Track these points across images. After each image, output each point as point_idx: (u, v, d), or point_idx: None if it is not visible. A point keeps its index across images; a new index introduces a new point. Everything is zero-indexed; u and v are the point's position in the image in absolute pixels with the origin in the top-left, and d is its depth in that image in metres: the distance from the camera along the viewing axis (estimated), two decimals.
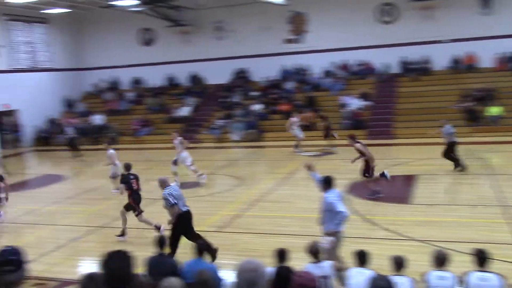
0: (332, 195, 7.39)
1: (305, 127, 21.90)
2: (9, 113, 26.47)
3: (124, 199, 10.64)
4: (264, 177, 16.65)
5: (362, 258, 6.00)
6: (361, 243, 8.40)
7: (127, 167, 10.83)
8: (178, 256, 7.89)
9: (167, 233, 8.81)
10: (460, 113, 21.38)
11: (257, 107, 25.03)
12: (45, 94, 28.01)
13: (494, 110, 21.22)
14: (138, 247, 8.60)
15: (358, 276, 5.67)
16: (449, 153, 14.48)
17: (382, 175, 12.43)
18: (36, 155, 25.60)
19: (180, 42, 28.36)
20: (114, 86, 30.12)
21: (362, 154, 12.46)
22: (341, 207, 7.25)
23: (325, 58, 25.85)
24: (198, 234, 8.72)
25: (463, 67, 23.88)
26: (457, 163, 14.50)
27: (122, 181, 10.60)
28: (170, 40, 28.51)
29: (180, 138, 15.47)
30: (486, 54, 23.34)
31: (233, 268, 3.17)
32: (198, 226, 10.80)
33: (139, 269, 5.46)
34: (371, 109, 23.41)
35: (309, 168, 8.20)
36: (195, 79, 28.61)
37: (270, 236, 9.94)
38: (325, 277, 5.73)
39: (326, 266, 5.88)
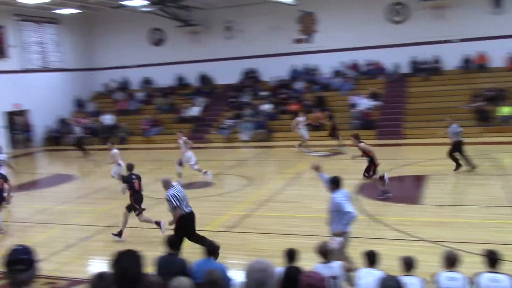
0: (340, 196, 7.37)
1: (314, 127, 21.90)
2: (20, 113, 26.68)
3: (127, 199, 10.67)
4: (273, 177, 16.64)
5: (371, 259, 5.99)
6: (370, 243, 8.37)
7: (130, 167, 10.91)
8: (187, 256, 7.90)
9: (168, 231, 8.83)
10: (471, 113, 21.24)
11: (266, 107, 25.02)
12: (56, 94, 28.18)
13: (505, 110, 21.05)
14: (148, 246, 8.63)
15: (368, 277, 5.65)
16: (454, 153, 14.36)
17: (382, 178, 12.37)
18: (46, 155, 25.77)
19: (190, 42, 28.43)
20: (124, 86, 30.26)
21: (366, 154, 12.44)
22: (349, 208, 7.23)
23: (334, 58, 25.78)
24: (200, 236, 8.68)
25: (474, 66, 23.71)
26: (459, 164, 14.34)
27: (124, 181, 10.65)
28: (180, 40, 28.59)
29: (184, 138, 15.49)
30: (497, 54, 23.16)
31: (242, 268, 3.18)
32: (207, 226, 10.86)
33: (149, 268, 5.48)
34: (381, 109, 23.32)
35: (317, 169, 8.19)
36: (205, 79, 28.67)
37: (279, 236, 9.93)
38: (334, 278, 5.71)
39: (335, 267, 5.86)
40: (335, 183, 7.49)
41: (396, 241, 9.19)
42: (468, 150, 14.67)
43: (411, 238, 9.34)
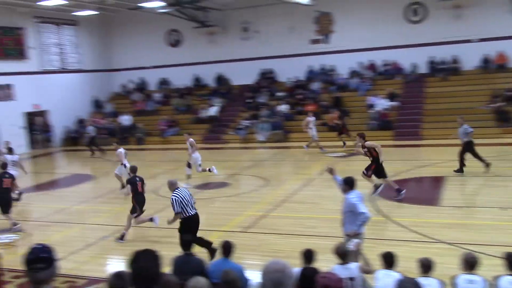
0: (353, 196, 7.35)
1: (331, 128, 21.82)
2: (40, 113, 27.03)
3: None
4: (290, 178, 16.62)
5: (389, 260, 5.94)
6: (388, 245, 8.32)
7: (133, 169, 11.03)
8: (202, 256, 7.93)
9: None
10: (490, 113, 20.98)
11: (283, 107, 25.00)
12: (75, 95, 28.49)
13: None
14: (165, 246, 8.67)
15: (385, 278, 5.62)
16: (465, 153, 14.18)
17: (377, 187, 12.30)
18: (65, 155, 26.05)
19: (207, 43, 28.53)
20: (141, 87, 30.48)
21: (371, 153, 12.39)
22: (363, 208, 7.21)
23: (351, 58, 25.66)
24: (199, 237, 8.69)
25: (493, 66, 23.40)
26: (462, 167, 14.18)
27: (128, 183, 10.73)
28: (197, 41, 28.70)
29: (191, 140, 15.57)
30: None
31: (259, 269, 3.17)
32: (224, 226, 10.90)
33: (166, 268, 5.51)
34: (399, 110, 23.14)
35: (331, 171, 8.21)
36: (221, 80, 28.74)
37: (295, 237, 9.91)
38: (352, 279, 5.69)
39: (353, 268, 5.83)
40: (348, 184, 7.48)
41: (414, 243, 9.10)
42: (487, 151, 14.49)
43: (429, 240, 9.25)
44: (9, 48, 25.00)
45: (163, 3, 23.83)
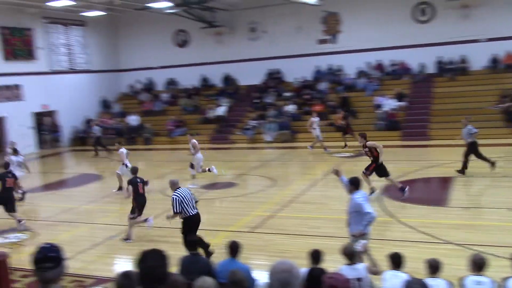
0: (359, 196, 7.35)
1: (338, 128, 21.79)
2: (48, 113, 27.17)
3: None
4: (297, 178, 16.61)
5: (396, 261, 5.92)
6: (396, 245, 8.29)
7: (134, 170, 11.06)
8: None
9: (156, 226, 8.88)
10: (499, 114, 20.85)
11: (290, 108, 24.98)
12: (83, 95, 28.61)
13: None
14: (172, 246, 8.69)
15: (393, 279, 5.60)
16: (470, 154, 14.11)
17: (372, 191, 12.27)
18: (73, 155, 26.17)
19: (214, 43, 28.57)
20: (149, 87, 30.58)
21: (371, 153, 12.41)
22: (368, 208, 7.20)
23: (359, 58, 25.60)
24: (200, 239, 8.72)
25: (501, 66, 23.26)
26: (465, 168, 14.11)
27: (129, 183, 10.76)
28: (204, 41, 28.75)
29: (194, 141, 15.60)
30: None
31: (266, 269, 3.18)
32: (231, 226, 10.91)
33: (173, 268, 5.52)
34: (406, 110, 23.06)
35: (337, 173, 8.25)
36: (229, 80, 28.77)
37: (302, 237, 9.89)
38: (359, 279, 5.68)
39: (360, 268, 5.82)
40: (354, 184, 7.48)
41: (421, 244, 9.06)
42: (495, 151, 14.40)
43: (437, 241, 9.21)
44: (18, 49, 25.15)
45: (170, 4, 23.88)
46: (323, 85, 25.82)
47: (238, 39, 28.09)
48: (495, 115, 20.79)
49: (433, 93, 23.58)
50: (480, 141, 14.36)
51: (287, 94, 26.29)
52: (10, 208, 11.89)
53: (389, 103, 23.11)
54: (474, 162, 14.29)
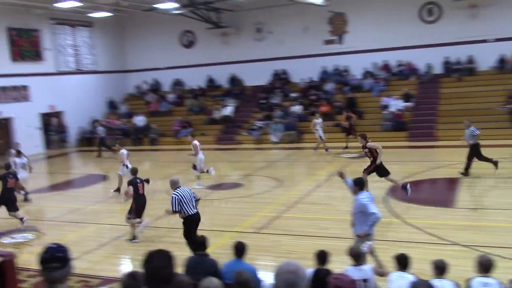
0: (364, 197, 7.35)
1: (344, 129, 21.75)
2: (55, 114, 27.29)
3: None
4: (303, 179, 16.60)
5: (403, 262, 5.90)
6: (402, 246, 8.27)
7: (134, 171, 11.09)
8: (215, 256, 7.95)
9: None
10: (506, 114, 20.74)
11: (296, 108, 24.96)
12: (89, 96, 28.71)
13: None
14: (179, 247, 8.71)
15: (399, 280, 5.58)
16: (473, 156, 14.04)
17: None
18: (80, 155, 26.27)
19: (220, 44, 28.59)
20: (155, 88, 30.65)
21: (371, 153, 12.43)
22: (373, 209, 7.20)
23: (365, 58, 25.55)
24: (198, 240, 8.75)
25: (509, 67, 23.12)
26: (468, 169, 14.05)
27: (129, 184, 10.79)
28: (210, 42, 28.78)
29: (195, 142, 15.62)
30: None
31: (272, 270, 3.18)
32: (236, 227, 10.91)
33: (179, 268, 5.53)
34: (413, 111, 22.98)
35: (341, 175, 8.28)
36: (235, 81, 28.79)
37: (308, 238, 9.88)
38: (365, 280, 5.66)
39: (367, 269, 5.81)
40: (359, 185, 7.49)
41: (428, 245, 9.03)
42: (502, 152, 14.33)
43: (443, 242, 9.18)
44: (25, 50, 25.29)
45: (177, 5, 23.94)
46: (329, 86, 25.78)
47: (244, 39, 28.11)
48: (502, 116, 20.68)
49: (440, 94, 23.49)
50: (487, 142, 14.32)
51: (293, 94, 26.28)
52: (11, 207, 12.17)
53: (396, 104, 23.05)
54: (480, 163, 14.23)
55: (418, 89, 24.07)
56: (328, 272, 5.37)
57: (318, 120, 20.38)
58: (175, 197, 8.72)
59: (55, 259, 2.94)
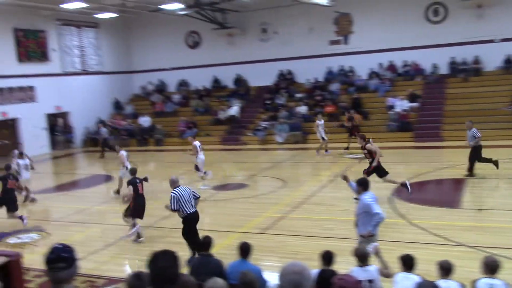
0: (368, 197, 7.34)
1: (349, 129, 21.70)
2: (61, 115, 27.40)
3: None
4: (308, 179, 16.58)
5: (408, 263, 5.89)
6: (408, 247, 8.24)
7: (133, 171, 11.11)
8: (220, 257, 7.95)
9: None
10: None
11: (302, 109, 24.95)
12: (95, 97, 28.80)
13: None
14: (184, 247, 8.72)
15: (404, 281, 5.57)
16: (475, 158, 13.98)
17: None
18: (86, 156, 26.35)
19: (226, 45, 28.62)
20: (161, 89, 30.71)
21: (370, 155, 12.44)
22: (377, 209, 7.19)
23: (371, 59, 25.50)
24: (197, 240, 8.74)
25: None
26: (471, 170, 14.00)
27: (129, 184, 10.80)
28: (216, 42, 28.81)
29: (194, 143, 15.62)
30: None
31: (277, 270, 3.18)
32: (241, 227, 10.91)
33: (184, 269, 5.54)
34: (419, 111, 22.91)
35: (345, 178, 8.33)
36: (240, 81, 28.80)
37: (314, 238, 9.88)
38: (371, 281, 5.66)
39: (372, 270, 5.80)
40: (362, 185, 7.48)
41: (433, 245, 9.01)
42: (508, 153, 14.26)
43: (449, 243, 9.15)
44: (31, 51, 25.40)
45: (182, 5, 23.98)
46: (334, 86, 25.75)
47: (249, 40, 28.12)
48: (508, 116, 20.59)
49: (446, 94, 23.42)
50: (493, 142, 14.26)
51: (299, 95, 26.27)
52: (11, 208, 12.32)
53: (402, 104, 22.99)
54: (485, 164, 14.17)
55: (424, 90, 24.00)
56: (333, 273, 5.36)
57: (320, 121, 20.33)
58: (173, 195, 8.80)
59: (61, 259, 2.95)
